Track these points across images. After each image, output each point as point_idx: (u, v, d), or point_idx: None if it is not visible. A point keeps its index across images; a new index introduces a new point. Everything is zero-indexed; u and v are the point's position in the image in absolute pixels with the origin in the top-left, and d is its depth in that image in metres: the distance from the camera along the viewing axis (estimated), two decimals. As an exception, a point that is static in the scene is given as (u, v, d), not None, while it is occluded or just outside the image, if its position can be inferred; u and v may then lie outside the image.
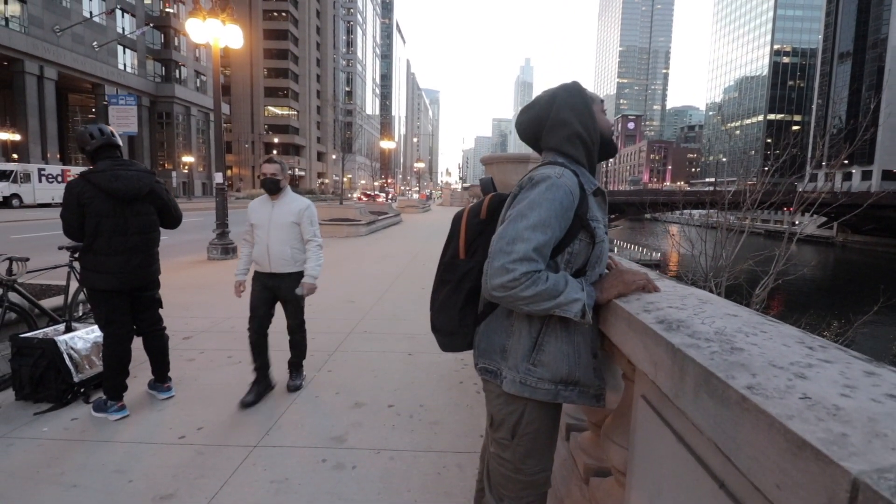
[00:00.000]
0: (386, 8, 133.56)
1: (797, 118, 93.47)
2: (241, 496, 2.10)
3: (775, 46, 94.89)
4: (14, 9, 30.29)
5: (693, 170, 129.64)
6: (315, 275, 3.15)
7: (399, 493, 2.13)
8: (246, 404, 2.95)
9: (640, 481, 1.16)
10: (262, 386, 3.10)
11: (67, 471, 2.31)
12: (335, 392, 3.19)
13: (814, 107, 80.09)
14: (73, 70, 33.80)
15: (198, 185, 48.00)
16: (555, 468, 1.78)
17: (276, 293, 3.18)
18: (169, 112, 45.06)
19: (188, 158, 46.19)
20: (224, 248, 9.36)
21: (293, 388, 3.21)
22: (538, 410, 1.23)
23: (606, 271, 1.34)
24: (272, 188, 3.07)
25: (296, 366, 3.32)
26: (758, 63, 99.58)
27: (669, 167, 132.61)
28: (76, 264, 3.64)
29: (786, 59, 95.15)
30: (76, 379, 3.03)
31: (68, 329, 3.28)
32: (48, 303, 3.98)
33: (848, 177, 60.63)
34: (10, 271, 3.33)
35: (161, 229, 3.07)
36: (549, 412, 1.25)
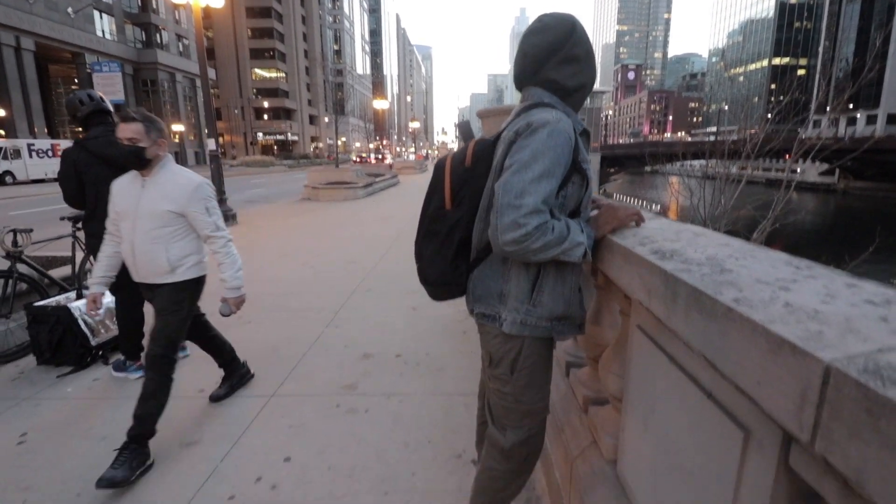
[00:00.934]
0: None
1: (803, 62, 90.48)
2: (263, 440, 2.24)
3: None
4: (-19, -26, 28.79)
5: (695, 119, 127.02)
6: (237, 284, 2.36)
7: (410, 432, 2.26)
8: (214, 399, 2.57)
9: (635, 403, 1.24)
10: (236, 378, 2.69)
11: (95, 425, 2.43)
12: (344, 345, 3.31)
13: (820, 49, 77.34)
14: (50, 39, 32.48)
15: (190, 155, 47.21)
16: (555, 401, 1.89)
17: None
18: (153, 79, 43.64)
19: (178, 127, 45.19)
20: (224, 215, 9.33)
21: (107, 481, 1.87)
22: (534, 346, 1.30)
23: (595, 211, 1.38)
24: (134, 160, 2.12)
25: (127, 447, 2.01)
26: (763, 4, 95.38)
27: (670, 118, 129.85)
28: (79, 234, 3.67)
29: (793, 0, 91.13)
30: (93, 342, 3.14)
31: (79, 296, 3.36)
32: (56, 273, 4.04)
33: (852, 121, 59.41)
34: (15, 243, 3.37)
35: None
36: (545, 346, 1.33)
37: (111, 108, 2.84)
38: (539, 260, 1.17)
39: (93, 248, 2.82)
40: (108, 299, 3.38)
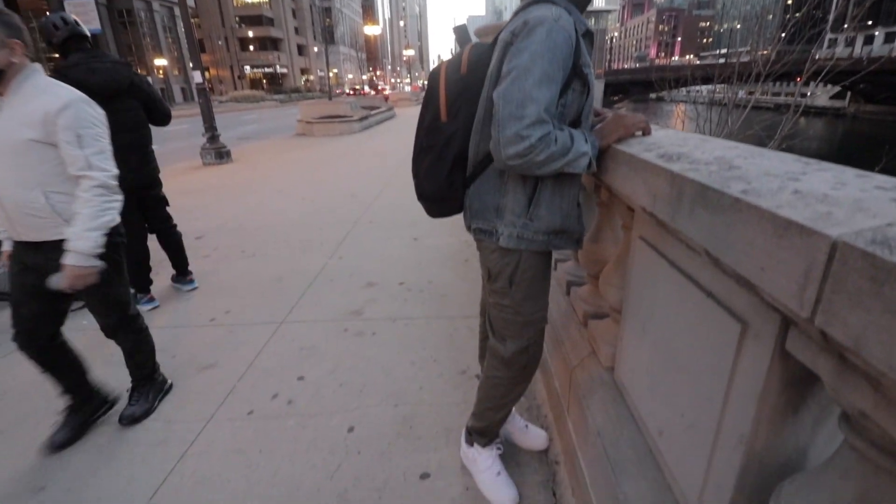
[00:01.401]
0: None
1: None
2: (276, 361, 2.35)
3: None
4: None
5: (705, 41, 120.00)
6: (86, 248, 1.58)
7: (416, 352, 2.37)
8: (57, 445, 1.83)
9: (635, 311, 1.28)
10: (81, 414, 1.94)
11: (115, 353, 2.51)
12: (348, 275, 3.37)
13: (845, -45, 71.13)
14: (10, -39, 29.88)
15: (177, 91, 45.29)
16: (555, 317, 1.95)
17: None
18: (129, 9, 40.80)
19: (160, 62, 42.92)
20: (217, 152, 9.14)
21: (128, 418, 1.96)
22: (532, 259, 1.29)
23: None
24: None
25: (139, 387, 2.08)
26: None
27: (679, 39, 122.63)
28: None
29: None
30: (101, 277, 3.18)
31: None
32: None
33: (870, 40, 56.08)
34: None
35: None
36: (542, 259, 1.32)
37: (88, 33, 2.67)
38: (543, 173, 1.13)
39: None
40: (111, 235, 3.40)
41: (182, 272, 3.27)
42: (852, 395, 0.58)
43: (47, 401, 2.16)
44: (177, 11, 44.28)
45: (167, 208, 3.17)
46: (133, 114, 2.78)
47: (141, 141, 2.84)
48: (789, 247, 0.59)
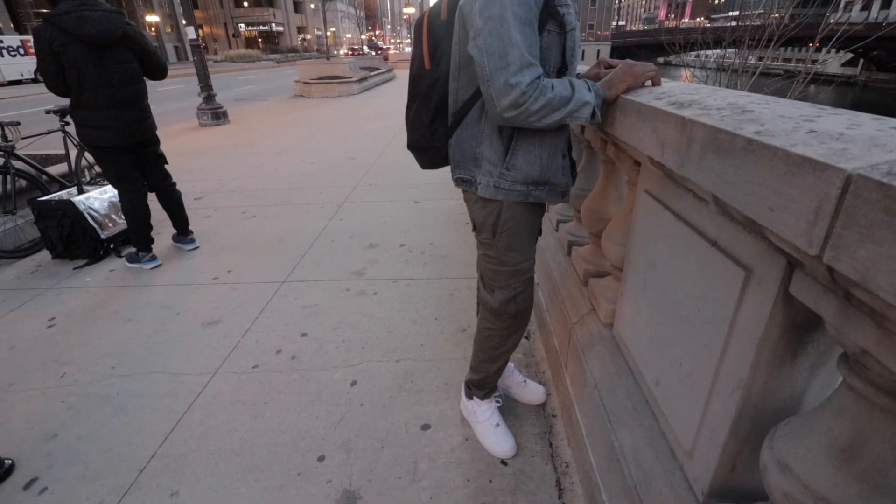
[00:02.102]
0: None
1: (847, -73, 79.58)
2: (279, 318, 2.38)
3: None
4: None
5: (716, 2, 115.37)
6: None
7: (418, 311, 2.39)
8: None
9: (637, 265, 1.28)
10: None
11: (119, 309, 2.57)
12: (349, 236, 3.36)
13: None
14: None
15: (170, 50, 43.91)
16: (556, 276, 1.96)
17: None
18: (116, -41, 38.91)
19: (152, 18, 41.39)
20: (214, 112, 8.95)
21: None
22: (513, 209, 1.28)
23: (605, 69, 1.28)
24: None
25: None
26: None
27: (690, 0, 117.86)
28: (69, 128, 3.54)
29: None
30: (103, 236, 3.19)
31: (80, 192, 3.34)
32: (53, 170, 3.98)
33: (888, 4, 53.88)
34: (4, 137, 3.26)
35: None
36: (525, 209, 1.30)
37: (76, -22, 2.55)
38: (546, 125, 1.10)
39: (85, 137, 2.73)
40: (112, 193, 3.38)
41: (183, 231, 3.26)
42: (855, 333, 0.59)
43: (56, 353, 2.20)
44: (167, -36, 42.43)
45: (166, 166, 3.14)
46: (127, 66, 2.70)
47: (136, 96, 2.77)
48: (801, 185, 0.58)
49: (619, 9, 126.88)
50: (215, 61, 40.93)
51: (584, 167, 1.94)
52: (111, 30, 2.56)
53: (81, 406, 1.86)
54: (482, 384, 1.61)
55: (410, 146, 1.40)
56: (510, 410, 1.74)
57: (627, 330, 1.36)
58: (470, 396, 1.65)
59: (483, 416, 1.61)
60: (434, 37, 1.24)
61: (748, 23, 7.60)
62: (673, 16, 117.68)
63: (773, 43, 7.10)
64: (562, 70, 1.16)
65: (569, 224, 2.12)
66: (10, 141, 3.29)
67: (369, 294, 2.58)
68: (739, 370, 0.84)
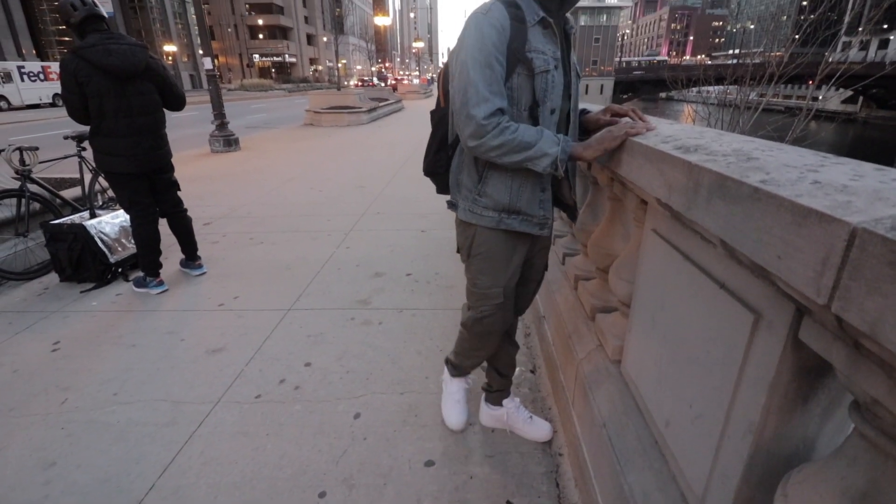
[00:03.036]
0: None
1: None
2: (284, 347, 2.37)
3: None
4: None
5: (717, 40, 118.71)
6: None
7: (423, 342, 2.38)
8: None
9: (645, 302, 1.28)
10: None
11: (124, 334, 2.57)
12: (356, 265, 3.38)
13: (863, -43, 70.06)
14: (23, -55, 29.99)
15: (185, 79, 45.35)
16: (563, 310, 1.96)
17: None
18: (139, -7, 40.79)
19: (170, 48, 42.97)
20: (226, 139, 9.17)
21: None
22: (486, 234, 1.37)
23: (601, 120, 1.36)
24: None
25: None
26: None
27: (691, 38, 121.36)
28: (85, 154, 3.64)
29: None
30: (112, 260, 3.22)
31: (92, 216, 3.40)
32: (67, 193, 4.06)
33: (884, 44, 55.21)
34: (22, 161, 3.35)
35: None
36: (499, 236, 1.37)
37: (104, 14, 2.68)
38: (507, 163, 1.22)
39: (102, 164, 2.80)
40: (123, 218, 3.43)
41: (191, 257, 3.29)
42: (865, 382, 0.59)
43: (58, 378, 2.19)
44: (187, -1, 44.30)
45: (178, 193, 3.20)
46: (148, 97, 2.80)
47: (154, 125, 2.85)
48: (808, 235, 0.59)
49: (623, 46, 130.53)
50: (229, 90, 42.17)
51: (591, 202, 1.97)
52: (135, 63, 2.67)
53: (81, 433, 1.84)
54: (457, 367, 1.77)
55: (425, 171, 1.55)
56: (515, 447, 1.71)
57: (636, 368, 1.35)
58: (449, 370, 1.82)
59: (451, 388, 1.82)
60: (446, 80, 1.36)
61: (748, 60, 7.81)
62: (675, 53, 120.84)
63: (773, 81, 7.27)
64: (533, 107, 1.24)
65: (576, 258, 2.13)
66: (28, 165, 3.37)
67: (374, 324, 2.58)
68: (751, 414, 0.83)
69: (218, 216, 4.69)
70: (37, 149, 3.39)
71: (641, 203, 1.35)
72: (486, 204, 1.34)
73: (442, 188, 1.54)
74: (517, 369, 2.15)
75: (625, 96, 60.38)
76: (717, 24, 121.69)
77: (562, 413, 1.80)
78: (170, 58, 43.43)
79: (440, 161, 1.46)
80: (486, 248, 1.38)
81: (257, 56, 64.47)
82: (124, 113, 2.69)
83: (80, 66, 2.54)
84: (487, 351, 1.62)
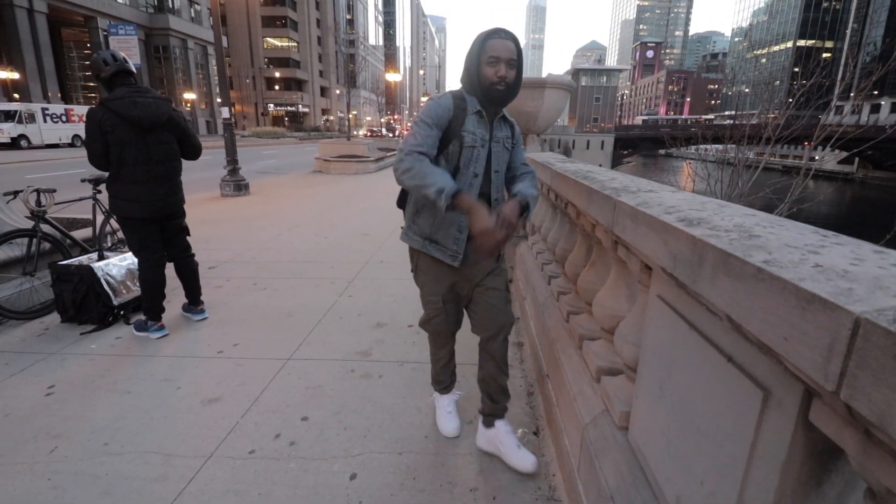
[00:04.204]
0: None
1: (829, 44, 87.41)
2: (281, 399, 2.32)
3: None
4: (-7, -68, 28.39)
5: (713, 102, 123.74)
6: None
7: (423, 398, 2.33)
8: None
9: (651, 370, 1.27)
10: None
11: (120, 380, 2.53)
12: (357, 314, 3.37)
13: (848, 31, 74.49)
14: (62, 2, 32.19)
15: (201, 124, 47.10)
16: (567, 371, 1.93)
17: None
18: (165, 45, 43.25)
19: (189, 95, 44.98)
20: (236, 184, 9.41)
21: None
22: (422, 257, 1.81)
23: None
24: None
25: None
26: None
27: (688, 99, 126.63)
28: (100, 196, 3.74)
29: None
30: (115, 302, 3.23)
31: (101, 257, 3.44)
32: (77, 234, 4.13)
33: (876, 108, 57.46)
34: (39, 202, 3.44)
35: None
36: (427, 258, 1.80)
37: (133, 70, 2.85)
38: (407, 186, 1.58)
39: (116, 209, 2.87)
40: (130, 261, 3.47)
41: (194, 301, 3.30)
42: (878, 471, 0.58)
43: (49, 424, 2.14)
44: (210, 50, 46.86)
45: (188, 237, 3.25)
46: (167, 147, 2.91)
47: (171, 172, 2.95)
48: (813, 320, 0.60)
49: (622, 105, 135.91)
50: (243, 136, 43.72)
51: (595, 262, 2.00)
52: (158, 114, 2.80)
53: (68, 485, 1.77)
54: (435, 381, 2.12)
55: (397, 204, 1.96)
56: (517, 516, 1.63)
57: (644, 437, 1.32)
58: (434, 389, 2.15)
59: (441, 404, 2.12)
60: None
61: (745, 122, 8.11)
62: (672, 113, 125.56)
63: (771, 143, 7.53)
64: (455, 171, 1.67)
65: (580, 317, 2.13)
66: (44, 206, 3.46)
67: (374, 377, 2.53)
68: (765, 494, 0.81)
69: (223, 260, 4.73)
70: (54, 191, 3.49)
71: (646, 268, 1.37)
72: (416, 231, 1.78)
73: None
74: (519, 430, 2.09)
75: (625, 152, 62.21)
76: (712, 86, 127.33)
77: (566, 481, 1.73)
78: (188, 105, 45.39)
79: (402, 198, 1.92)
80: (423, 266, 1.83)
81: (272, 105, 67.36)
82: (143, 161, 2.80)
83: (105, 117, 2.66)
84: (445, 351, 2.03)
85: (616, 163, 59.54)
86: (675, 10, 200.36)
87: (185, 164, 3.12)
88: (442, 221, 1.71)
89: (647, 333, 1.31)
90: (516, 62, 1.64)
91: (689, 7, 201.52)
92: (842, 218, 29.16)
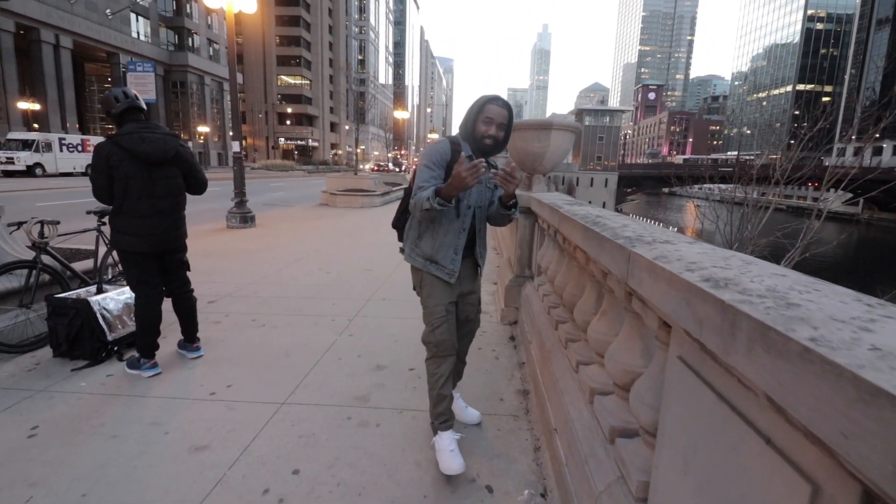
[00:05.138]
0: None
1: (828, 89, 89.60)
2: (272, 447, 2.19)
3: (809, 11, 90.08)
4: (28, -25, 30.09)
5: (715, 142, 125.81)
6: None
7: (423, 450, 2.19)
8: None
9: (673, 440, 1.16)
10: None
11: (107, 422, 2.41)
12: (357, 355, 3.26)
13: (846, 77, 76.45)
14: (87, 38, 33.74)
15: (213, 156, 48.24)
16: (578, 428, 1.81)
17: None
18: (183, 81, 44.92)
19: (203, 128, 46.29)
20: (242, 216, 9.45)
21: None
22: (428, 276, 2.10)
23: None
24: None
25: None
26: (790, 29, 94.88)
27: (690, 140, 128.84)
28: (104, 228, 3.72)
29: (819, 26, 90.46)
30: (109, 338, 3.14)
31: (99, 290, 3.38)
32: (78, 266, 4.09)
33: (878, 151, 58.13)
34: (42, 234, 3.41)
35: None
36: (433, 279, 2.09)
37: (144, 106, 2.88)
38: (420, 215, 1.94)
39: (117, 242, 2.84)
40: (128, 295, 3.40)
41: (190, 339, 3.20)
42: None
43: (28, 470, 2.02)
44: (225, 86, 48.50)
45: (188, 272, 3.19)
46: (172, 181, 2.90)
47: (175, 207, 2.93)
48: (879, 418, 0.52)
49: (625, 144, 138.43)
50: (253, 168, 44.62)
51: (606, 311, 1.90)
52: (166, 150, 2.80)
53: (36, 546, 1.64)
54: (435, 414, 2.13)
55: (392, 225, 2.34)
56: None
57: (664, 514, 1.19)
58: (435, 431, 2.15)
59: (442, 444, 2.08)
60: (414, 174, 2.11)
61: (755, 161, 8.15)
62: (675, 152, 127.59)
63: (780, 184, 7.54)
64: (457, 201, 2.00)
65: (590, 368, 2.02)
66: (46, 238, 3.43)
67: (372, 425, 2.40)
68: None
69: (224, 294, 4.66)
70: (58, 223, 3.47)
71: (664, 324, 1.28)
72: (419, 253, 2.10)
73: (399, 235, 2.30)
74: (526, 491, 1.95)
75: (628, 190, 62.73)
76: (714, 127, 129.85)
77: (577, 553, 1.58)
78: (201, 137, 46.64)
79: (402, 220, 2.26)
80: (428, 280, 2.10)
81: (283, 139, 69.13)
82: (147, 195, 2.78)
83: (112, 151, 2.67)
84: (446, 365, 2.12)
85: (620, 200, 59.94)
86: (676, 54, 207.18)
87: (194, 196, 3.11)
88: (441, 245, 2.04)
89: (668, 398, 1.21)
90: (506, 125, 2.04)
91: (689, 52, 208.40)
92: (850, 260, 28.92)
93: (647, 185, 63.06)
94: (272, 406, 2.56)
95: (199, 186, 3.14)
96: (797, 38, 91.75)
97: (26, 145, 24.26)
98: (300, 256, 6.67)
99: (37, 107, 30.46)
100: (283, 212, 13.02)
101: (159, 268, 2.98)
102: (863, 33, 69.10)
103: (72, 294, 3.25)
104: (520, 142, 4.01)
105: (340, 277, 5.54)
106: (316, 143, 71.76)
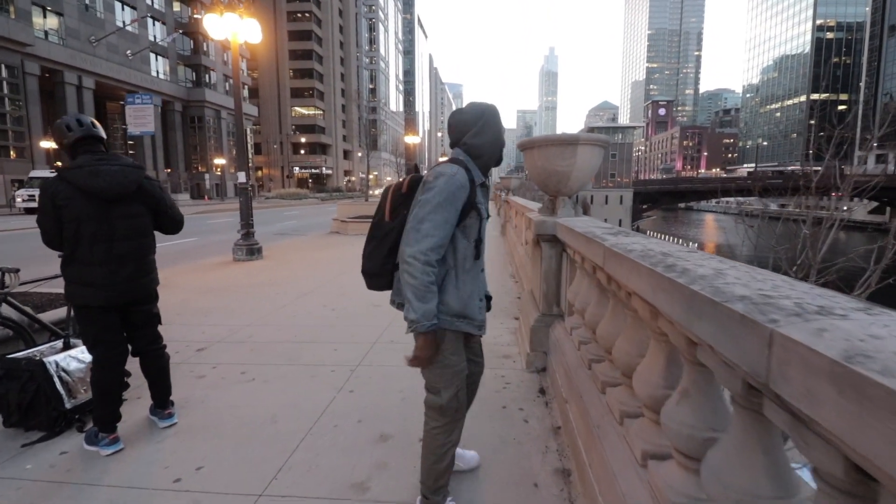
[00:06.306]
0: (407, 3, 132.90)
1: (843, 97, 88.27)
2: (236, 576, 1.66)
3: (818, 21, 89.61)
4: (52, 22, 31.49)
5: (730, 155, 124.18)
6: None
7: (437, 576, 1.63)
8: None
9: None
10: None
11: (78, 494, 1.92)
12: (357, 419, 2.72)
13: (861, 84, 75.15)
14: (109, 79, 34.95)
15: (230, 187, 49.06)
16: (608, 455, 1.28)
17: None
18: (200, 116, 46.18)
19: (220, 161, 47.25)
20: (249, 248, 9.12)
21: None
22: (448, 334, 1.72)
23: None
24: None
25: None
26: (799, 40, 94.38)
27: (704, 153, 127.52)
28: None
29: (829, 35, 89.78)
30: (68, 405, 2.68)
31: (66, 346, 2.94)
32: (52, 315, 3.69)
33: (902, 157, 56.29)
34: (1, 283, 3.01)
35: (163, 234, 2.69)
36: (453, 335, 1.75)
37: (103, 135, 2.48)
38: (403, 283, 1.61)
39: (71, 296, 2.41)
40: (90, 357, 2.95)
41: (162, 404, 2.71)
42: None
43: None
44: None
45: (159, 327, 2.74)
46: (135, 220, 2.47)
47: (138, 250, 2.49)
48: None
49: (638, 160, 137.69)
50: (267, 197, 45.16)
51: (689, 392, 1.36)
52: (125, 184, 2.38)
53: None
54: (437, 489, 1.82)
55: (364, 272, 1.87)
56: None
57: None
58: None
59: None
60: (395, 201, 1.80)
61: (769, 173, 7.64)
62: (689, 167, 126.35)
63: (811, 194, 7.07)
64: (478, 242, 1.75)
65: (667, 465, 1.46)
66: (7, 287, 3.03)
67: (371, 530, 1.85)
68: None
69: (216, 339, 4.20)
70: (18, 270, 3.07)
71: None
72: (444, 311, 1.68)
73: (379, 286, 1.88)
74: None
75: (644, 206, 61.68)
76: (727, 140, 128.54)
77: None
78: (218, 169, 47.56)
79: (387, 265, 1.80)
80: (449, 341, 1.73)
81: (297, 168, 70.30)
82: (103, 238, 2.34)
83: (59, 189, 2.25)
84: (458, 430, 1.84)
85: (636, 217, 58.90)
86: (684, 70, 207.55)
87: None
88: (469, 295, 1.74)
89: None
90: None
91: (698, 67, 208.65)
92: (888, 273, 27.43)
93: (663, 201, 62.03)
94: (247, 499, 2.03)
95: (172, 225, 2.71)
96: (808, 48, 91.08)
97: (45, 183, 24.70)
98: (305, 291, 6.22)
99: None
100: (292, 241, 12.70)
101: (123, 322, 2.53)
102: (875, 40, 68.19)
103: (29, 353, 2.82)
104: (541, 160, 3.51)
105: (345, 315, 5.05)
106: (330, 171, 72.72)
